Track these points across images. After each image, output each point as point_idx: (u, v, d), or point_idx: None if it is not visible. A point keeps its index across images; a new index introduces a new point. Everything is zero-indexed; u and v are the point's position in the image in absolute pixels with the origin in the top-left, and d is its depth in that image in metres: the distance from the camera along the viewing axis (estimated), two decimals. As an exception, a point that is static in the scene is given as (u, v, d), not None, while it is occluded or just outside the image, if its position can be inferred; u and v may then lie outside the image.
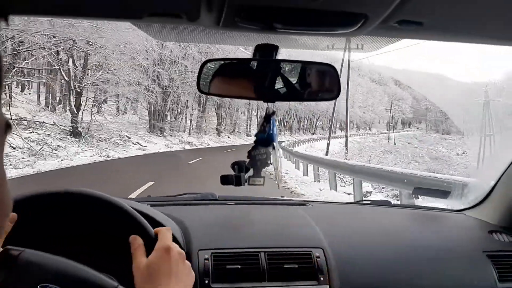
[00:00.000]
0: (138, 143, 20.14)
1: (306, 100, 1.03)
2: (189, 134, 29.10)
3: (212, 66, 0.97)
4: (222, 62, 0.98)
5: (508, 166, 1.44)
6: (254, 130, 39.76)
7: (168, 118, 27.46)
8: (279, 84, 0.97)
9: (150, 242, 0.73)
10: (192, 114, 31.35)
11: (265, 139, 1.04)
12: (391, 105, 67.27)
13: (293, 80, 0.98)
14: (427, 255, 1.24)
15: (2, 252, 0.61)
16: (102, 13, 0.72)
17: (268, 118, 1.03)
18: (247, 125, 40.36)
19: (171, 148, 22.31)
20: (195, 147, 25.57)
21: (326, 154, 16.31)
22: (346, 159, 13.08)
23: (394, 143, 45.95)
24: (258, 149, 1.04)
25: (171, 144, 23.57)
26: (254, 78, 0.96)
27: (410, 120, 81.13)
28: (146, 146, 20.09)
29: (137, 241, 0.74)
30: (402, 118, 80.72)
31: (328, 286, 1.09)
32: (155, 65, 24.02)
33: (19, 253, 0.61)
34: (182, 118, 30.59)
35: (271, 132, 1.03)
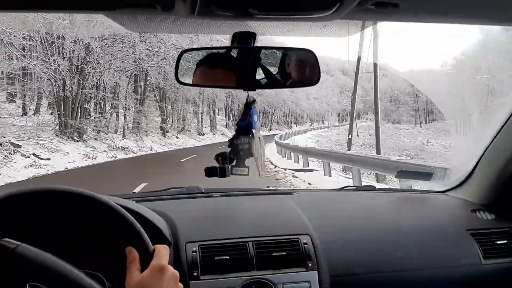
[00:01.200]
0: (33, 154, 15.20)
1: (287, 87, 1.26)
2: (124, 136, 24.82)
3: (190, 55, 1.18)
4: (200, 51, 1.19)
5: (488, 146, 1.76)
6: (206, 128, 38.95)
7: (92, 113, 23.07)
8: (259, 72, 1.18)
9: (146, 257, 0.89)
10: (127, 108, 26.64)
11: (245, 127, 1.26)
12: (352, 95, 72.68)
13: (273, 67, 1.20)
14: (413, 236, 1.53)
15: None
16: (75, 6, 0.87)
17: (248, 106, 1.25)
18: (198, 121, 37.66)
19: (94, 159, 17.64)
20: (133, 155, 20.97)
21: (349, 149, 17.39)
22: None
23: (358, 135, 49.10)
24: (240, 138, 1.26)
25: (95, 153, 18.76)
26: (233, 67, 1.16)
27: (360, 111, 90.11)
28: (48, 159, 15.31)
29: (132, 254, 0.89)
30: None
31: (316, 271, 1.34)
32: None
33: (16, 246, 0.75)
34: (111, 114, 25.74)
35: (251, 120, 1.26)
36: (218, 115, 43.64)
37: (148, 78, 27.32)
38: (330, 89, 74.74)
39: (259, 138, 1.27)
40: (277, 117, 60.81)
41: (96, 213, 0.97)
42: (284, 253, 1.34)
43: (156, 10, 0.81)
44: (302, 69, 1.21)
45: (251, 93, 1.23)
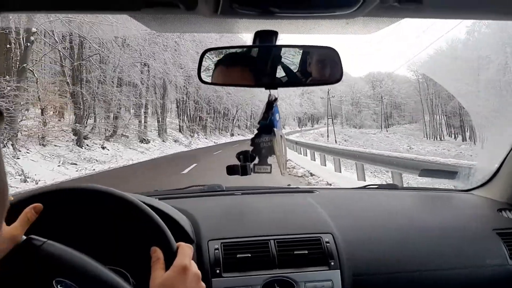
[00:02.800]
0: None
1: (308, 85, 1.30)
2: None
3: (212, 55, 1.25)
4: (222, 50, 1.26)
5: None
6: (153, 132, 28.09)
7: None
8: (280, 70, 1.24)
9: (170, 255, 0.94)
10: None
11: (267, 126, 1.32)
12: (328, 92, 72.56)
13: (295, 65, 1.25)
14: (437, 235, 1.56)
15: (25, 241, 0.80)
16: (99, 6, 0.92)
17: (270, 104, 1.31)
18: (140, 121, 26.62)
19: None
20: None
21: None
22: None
23: (336, 141, 48.56)
24: (262, 137, 1.33)
25: None
26: (255, 65, 1.23)
27: (319, 115, 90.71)
28: None
29: (157, 254, 0.94)
30: (314, 112, 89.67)
31: (339, 270, 1.39)
32: None
33: (42, 243, 0.80)
34: None
35: (273, 118, 1.33)
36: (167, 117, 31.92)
37: (35, 29, 15.43)
38: (293, 90, 76.46)
39: (281, 136, 1.33)
40: (238, 119, 55.74)
41: (123, 211, 1.02)
42: (306, 252, 1.40)
43: (179, 10, 0.86)
44: (324, 67, 1.27)
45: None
